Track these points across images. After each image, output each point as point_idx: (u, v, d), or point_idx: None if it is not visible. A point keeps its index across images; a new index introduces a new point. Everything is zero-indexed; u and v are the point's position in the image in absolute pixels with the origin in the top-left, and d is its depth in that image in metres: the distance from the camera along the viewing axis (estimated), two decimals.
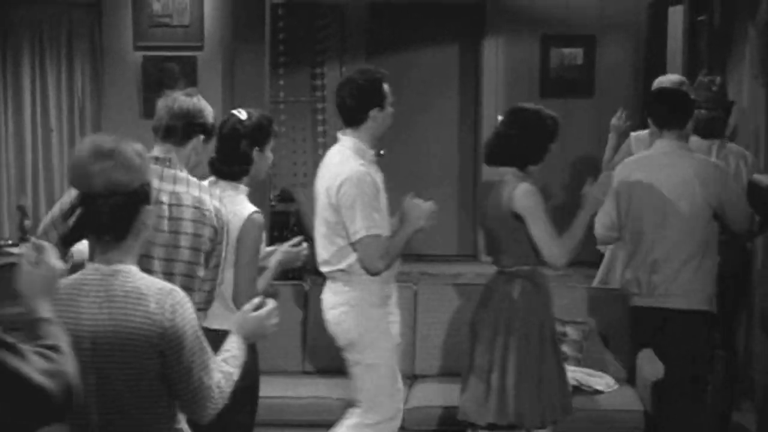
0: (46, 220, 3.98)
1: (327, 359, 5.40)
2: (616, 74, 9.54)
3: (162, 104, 3.92)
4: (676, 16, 8.49)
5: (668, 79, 6.45)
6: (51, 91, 7.91)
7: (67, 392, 2.25)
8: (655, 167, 4.76)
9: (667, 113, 4.81)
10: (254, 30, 8.02)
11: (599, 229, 4.89)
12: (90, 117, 8.08)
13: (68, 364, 2.30)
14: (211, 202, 3.69)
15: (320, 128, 9.23)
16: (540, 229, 4.36)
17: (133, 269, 2.75)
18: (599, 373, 5.41)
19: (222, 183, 4.09)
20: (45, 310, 2.40)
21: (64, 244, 2.82)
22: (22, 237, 6.81)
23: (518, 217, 4.39)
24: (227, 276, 3.96)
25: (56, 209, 3.94)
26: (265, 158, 4.14)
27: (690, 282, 4.64)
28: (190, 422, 2.86)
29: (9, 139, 7.82)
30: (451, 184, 10.11)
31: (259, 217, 4.03)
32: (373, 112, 4.43)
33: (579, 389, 5.18)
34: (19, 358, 2.19)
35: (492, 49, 9.75)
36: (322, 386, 5.46)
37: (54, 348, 2.30)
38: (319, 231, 4.54)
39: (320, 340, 5.10)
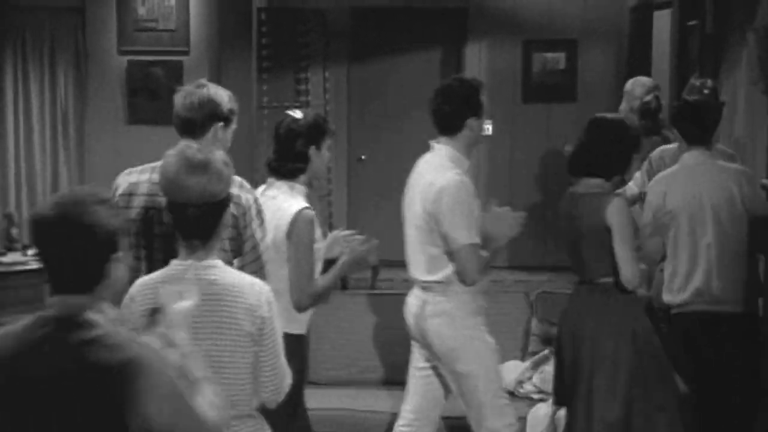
0: None
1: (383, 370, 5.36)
2: (599, 79, 9.54)
3: (177, 100, 3.87)
4: (662, 20, 8.52)
5: (641, 82, 6.46)
6: (34, 98, 7.78)
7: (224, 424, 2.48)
8: (692, 180, 4.78)
9: (697, 130, 4.82)
10: (241, 34, 7.93)
11: (653, 254, 4.85)
12: (74, 123, 7.95)
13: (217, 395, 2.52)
14: None
15: None
16: (624, 248, 4.31)
17: (220, 263, 2.97)
18: None
19: (278, 183, 4.16)
20: (186, 341, 2.58)
21: None
22: (10, 245, 6.68)
23: (608, 230, 4.35)
24: (283, 273, 3.94)
25: None
26: (322, 156, 4.19)
27: (744, 285, 4.66)
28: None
29: None
30: None
31: (309, 213, 4.05)
32: (470, 121, 4.40)
33: None
34: (196, 392, 2.40)
35: (474, 54, 9.71)
36: (373, 398, 5.47)
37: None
38: (410, 238, 4.48)
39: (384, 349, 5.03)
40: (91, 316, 2.37)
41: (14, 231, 6.75)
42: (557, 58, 9.65)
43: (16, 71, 7.69)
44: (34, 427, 2.34)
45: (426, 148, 4.65)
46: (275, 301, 3.02)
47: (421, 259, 4.41)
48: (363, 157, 9.96)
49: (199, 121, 3.83)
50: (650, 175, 5.55)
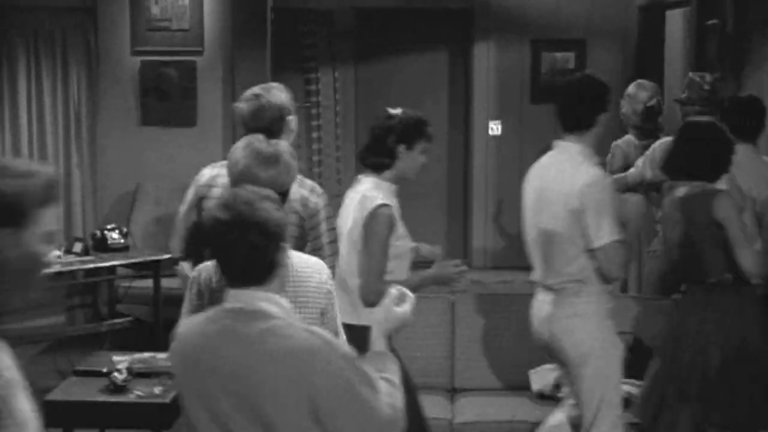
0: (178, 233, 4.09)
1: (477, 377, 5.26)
2: (607, 79, 9.46)
3: (243, 115, 3.89)
4: (674, 19, 8.50)
5: (644, 86, 6.46)
6: (47, 99, 7.66)
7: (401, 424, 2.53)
8: (739, 174, 4.81)
9: (748, 125, 4.90)
10: (255, 34, 7.84)
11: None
12: (86, 124, 7.83)
13: (401, 398, 2.58)
14: (297, 190, 3.81)
15: (314, 134, 9.06)
16: (739, 239, 4.30)
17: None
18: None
19: (365, 178, 4.17)
20: (385, 345, 2.75)
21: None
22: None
23: (719, 226, 4.34)
24: (354, 265, 3.91)
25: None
26: (412, 157, 4.14)
27: None
28: None
29: (6, 147, 7.54)
30: (441, 190, 10.01)
31: (386, 210, 3.99)
32: (600, 117, 4.33)
33: (629, 402, 5.09)
34: (374, 391, 2.48)
35: (482, 54, 9.66)
36: (472, 405, 5.26)
37: (392, 382, 2.58)
38: (537, 242, 4.38)
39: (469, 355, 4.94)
40: (266, 306, 2.52)
41: None
42: (566, 58, 9.62)
43: (29, 71, 7.57)
44: (218, 415, 2.51)
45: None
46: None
47: (554, 261, 4.33)
48: None
49: (275, 128, 3.94)
50: (653, 164, 5.66)
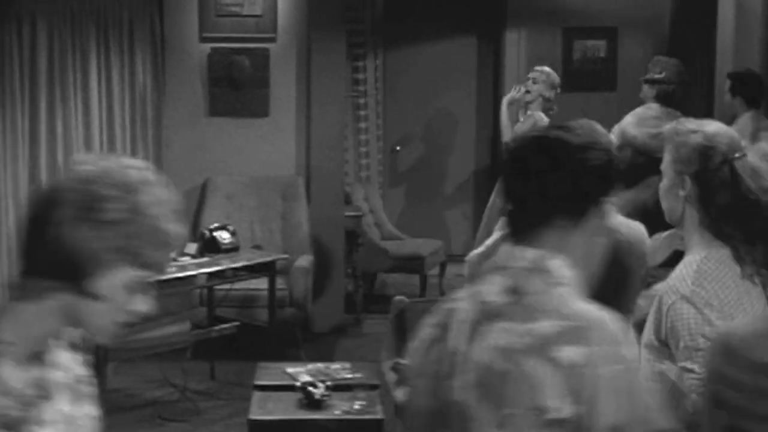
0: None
1: None
2: (639, 67, 9.46)
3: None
4: (726, 5, 8.50)
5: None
6: (115, 89, 7.15)
7: None
8: None
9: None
10: (331, 19, 7.50)
11: None
12: (151, 115, 7.36)
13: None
14: None
15: (362, 125, 8.77)
16: None
17: None
18: None
19: None
20: None
21: None
22: None
23: None
24: None
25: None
26: None
27: None
28: None
29: (79, 140, 7.01)
30: (468, 178, 9.86)
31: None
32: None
33: None
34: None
35: (513, 42, 9.53)
36: None
37: None
38: None
39: None
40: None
41: None
42: (598, 46, 9.57)
43: (99, 60, 7.04)
44: None
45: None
46: None
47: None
48: (398, 148, 9.65)
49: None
50: None
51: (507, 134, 7.14)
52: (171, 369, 6.31)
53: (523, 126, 7.09)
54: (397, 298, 5.42)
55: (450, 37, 9.66)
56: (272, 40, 7.45)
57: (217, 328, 6.19)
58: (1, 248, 6.54)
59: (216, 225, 6.34)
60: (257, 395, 4.94)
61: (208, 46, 7.42)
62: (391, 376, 4.98)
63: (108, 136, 7.15)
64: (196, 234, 7.11)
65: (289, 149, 7.56)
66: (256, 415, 4.70)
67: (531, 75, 7.27)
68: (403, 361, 4.93)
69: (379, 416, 4.69)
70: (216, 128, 7.50)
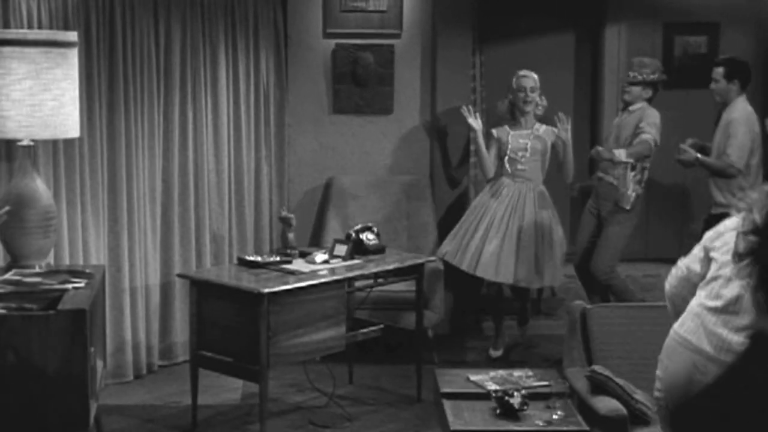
0: None
1: None
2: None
3: None
4: None
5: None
6: (242, 86, 7.01)
7: None
8: None
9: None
10: (458, 16, 7.34)
11: None
12: (274, 112, 7.20)
13: None
14: None
15: None
16: None
17: None
18: None
19: None
20: None
21: None
22: (286, 252, 6.00)
23: None
24: None
25: None
26: None
27: None
28: None
29: (209, 138, 6.86)
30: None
31: None
32: None
33: None
34: None
35: (613, 37, 9.36)
36: None
37: None
38: None
39: None
40: None
41: (291, 236, 6.02)
42: (699, 42, 9.40)
43: (227, 57, 6.89)
44: None
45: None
46: None
47: None
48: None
49: None
50: None
51: (490, 170, 7.07)
52: (303, 374, 6.19)
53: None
54: (576, 302, 5.27)
55: (548, 33, 9.48)
56: (397, 36, 7.30)
57: (364, 330, 6.03)
58: (134, 242, 6.44)
59: (360, 226, 6.18)
60: (448, 404, 4.78)
61: (332, 42, 7.26)
62: (582, 385, 4.83)
63: (235, 135, 7.01)
64: (321, 235, 7.00)
65: (414, 147, 7.40)
66: (456, 425, 4.54)
67: (526, 84, 7.13)
68: (599, 369, 4.78)
69: (583, 427, 4.53)
70: (340, 126, 7.34)
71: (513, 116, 7.10)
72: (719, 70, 7.02)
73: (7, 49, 4.99)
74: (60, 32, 5.35)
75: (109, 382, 6.32)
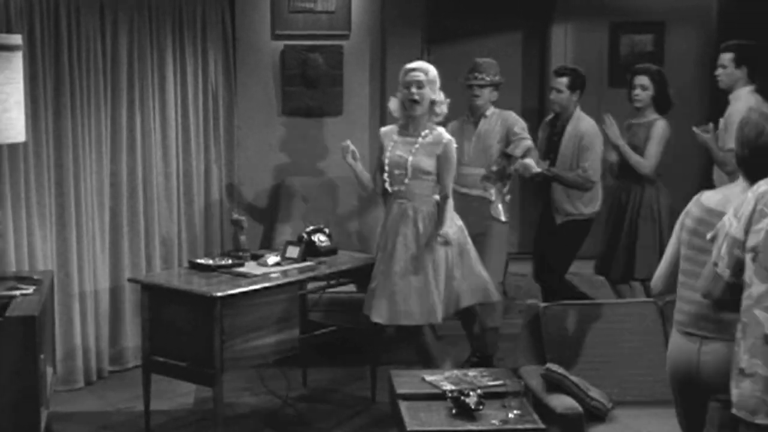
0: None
1: None
2: (687, 62, 9.41)
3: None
4: None
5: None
6: (190, 88, 6.94)
7: None
8: None
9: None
10: (405, 14, 7.33)
11: None
12: (223, 114, 7.15)
13: None
14: None
15: None
16: None
17: None
18: None
19: None
20: None
21: None
22: (238, 255, 5.95)
23: None
24: None
25: None
26: None
27: None
28: None
29: (156, 141, 6.79)
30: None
31: None
32: None
33: None
34: None
35: (560, 36, 9.45)
36: None
37: None
38: None
39: None
40: None
41: (243, 238, 5.98)
42: (645, 41, 9.49)
43: (175, 58, 6.83)
44: None
45: None
46: None
47: None
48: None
49: None
50: None
51: (367, 183, 5.94)
52: (256, 377, 6.15)
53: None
54: (530, 301, 5.29)
55: (496, 33, 9.52)
56: (346, 37, 7.28)
57: (318, 333, 6.00)
58: (83, 247, 6.36)
59: (312, 228, 6.15)
60: (404, 405, 4.76)
61: (281, 44, 7.23)
62: (537, 383, 4.84)
63: (183, 137, 6.96)
64: (272, 237, 6.96)
65: (365, 148, 7.37)
66: (412, 426, 4.52)
67: (414, 78, 5.65)
68: (554, 368, 4.79)
69: (539, 425, 4.54)
70: (290, 128, 7.31)
71: (404, 118, 5.74)
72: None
73: None
74: (3, 35, 5.25)
75: (59, 389, 6.22)
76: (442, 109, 5.71)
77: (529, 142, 6.45)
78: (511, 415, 4.63)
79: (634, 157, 6.64)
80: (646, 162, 6.64)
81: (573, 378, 4.72)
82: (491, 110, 6.58)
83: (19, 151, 5.94)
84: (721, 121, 6.37)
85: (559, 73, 6.89)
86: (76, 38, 6.21)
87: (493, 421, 4.57)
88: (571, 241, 6.83)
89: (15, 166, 5.95)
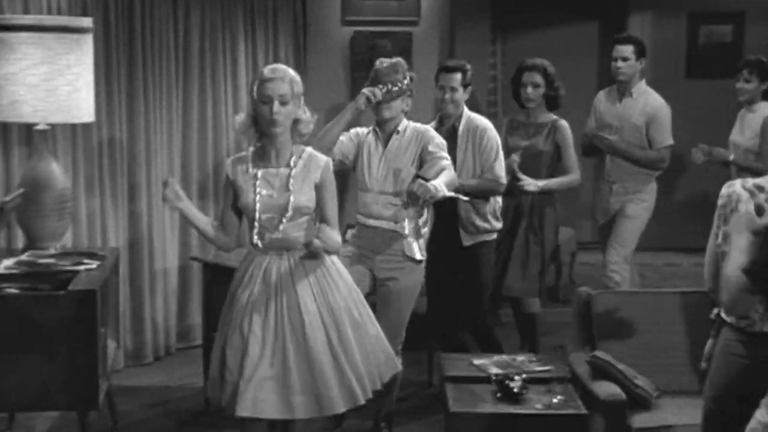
0: None
1: None
2: (767, 53, 9.25)
3: None
4: None
5: None
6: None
7: None
8: None
9: None
10: (477, 1, 7.36)
11: None
12: None
13: None
14: None
15: (491, 110, 8.64)
16: None
17: None
18: None
19: None
20: None
21: None
22: None
23: None
24: None
25: None
26: None
27: None
28: None
29: (228, 120, 6.94)
30: (587, 170, 9.69)
31: None
32: None
33: None
34: None
35: (637, 26, 9.36)
36: None
37: None
38: None
39: None
40: None
41: None
42: (723, 31, 9.37)
43: (246, 44, 6.97)
44: None
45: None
46: None
47: None
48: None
49: None
50: None
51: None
52: None
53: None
54: (582, 288, 5.31)
55: (571, 23, 9.50)
56: (415, 23, 7.34)
57: None
58: (153, 226, 6.54)
59: None
60: (450, 387, 4.84)
61: (351, 30, 7.32)
62: (584, 370, 4.87)
63: None
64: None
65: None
66: (455, 407, 4.60)
67: (274, 91, 4.17)
68: (601, 355, 4.82)
69: (582, 411, 4.58)
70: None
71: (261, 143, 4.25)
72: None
73: (23, 35, 5.07)
74: (74, 18, 5.45)
75: (129, 364, 6.44)
76: (309, 128, 4.33)
77: (446, 162, 5.02)
78: (554, 400, 4.68)
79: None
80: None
81: (619, 365, 4.74)
82: (403, 124, 5.25)
83: (93, 132, 6.14)
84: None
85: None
86: (149, 22, 6.39)
87: (537, 406, 4.62)
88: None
89: (89, 146, 6.15)
